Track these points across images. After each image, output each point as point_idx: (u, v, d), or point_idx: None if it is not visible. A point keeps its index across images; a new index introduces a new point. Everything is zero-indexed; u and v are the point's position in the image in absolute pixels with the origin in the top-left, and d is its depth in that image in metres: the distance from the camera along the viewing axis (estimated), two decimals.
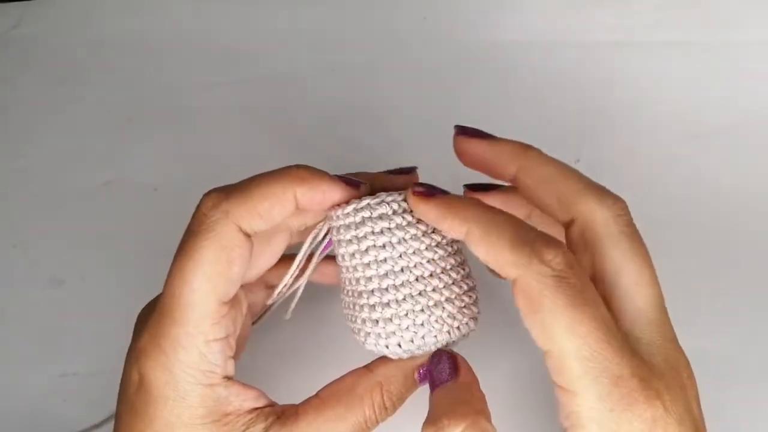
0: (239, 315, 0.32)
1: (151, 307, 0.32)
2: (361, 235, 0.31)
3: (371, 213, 0.31)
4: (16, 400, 0.41)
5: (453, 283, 0.32)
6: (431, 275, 0.31)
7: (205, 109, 0.54)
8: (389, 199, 0.31)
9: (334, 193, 0.31)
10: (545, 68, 0.55)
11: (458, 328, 0.32)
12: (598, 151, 0.51)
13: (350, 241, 0.31)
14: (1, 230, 0.48)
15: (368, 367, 0.33)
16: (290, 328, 0.43)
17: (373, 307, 0.31)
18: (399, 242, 0.31)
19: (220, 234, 0.29)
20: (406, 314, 0.31)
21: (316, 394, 0.32)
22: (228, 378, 0.30)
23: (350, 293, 0.33)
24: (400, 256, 0.31)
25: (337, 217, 0.32)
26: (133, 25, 0.59)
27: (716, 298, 0.44)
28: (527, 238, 0.28)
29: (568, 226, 0.32)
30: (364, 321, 0.32)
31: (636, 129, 0.52)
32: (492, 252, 0.29)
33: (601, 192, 0.32)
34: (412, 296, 0.31)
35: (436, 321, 0.31)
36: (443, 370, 0.30)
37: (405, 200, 0.31)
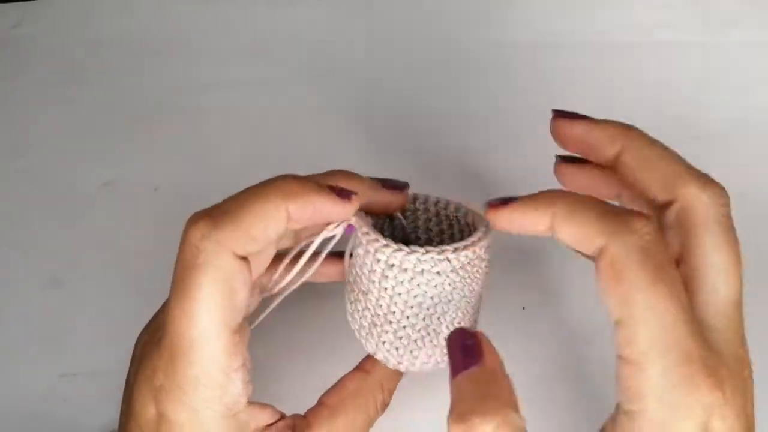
0: (248, 334, 0.31)
1: (151, 334, 0.32)
2: (415, 283, 0.31)
3: (432, 266, 0.31)
4: (16, 400, 0.41)
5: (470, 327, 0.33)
6: (458, 322, 0.32)
7: (205, 109, 0.54)
8: (452, 256, 0.31)
9: (326, 207, 0.30)
10: (546, 68, 0.55)
11: None
12: None
13: (401, 282, 0.31)
14: (1, 230, 0.48)
15: (364, 369, 0.33)
16: (285, 330, 0.43)
17: (399, 338, 0.32)
18: (446, 294, 0.31)
19: (217, 266, 0.28)
20: (425, 351, 0.32)
21: (322, 403, 0.32)
22: (248, 403, 0.30)
23: (373, 309, 0.33)
24: (442, 306, 0.31)
25: (392, 255, 0.31)
26: (132, 25, 0.59)
27: None
28: (615, 211, 0.28)
29: (664, 207, 0.31)
30: (382, 342, 0.33)
31: None
32: (580, 226, 0.28)
33: (706, 179, 0.32)
34: (437, 337, 0.32)
35: (442, 355, 0.32)
36: (467, 353, 0.28)
37: (465, 257, 0.31)
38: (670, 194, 0.31)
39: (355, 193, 0.31)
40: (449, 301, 0.32)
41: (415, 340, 0.32)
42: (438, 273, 0.31)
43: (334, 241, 0.34)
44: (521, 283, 0.43)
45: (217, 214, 0.28)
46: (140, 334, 0.33)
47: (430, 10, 0.59)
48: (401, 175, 0.37)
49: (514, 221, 0.30)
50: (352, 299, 0.34)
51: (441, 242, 0.36)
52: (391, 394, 0.33)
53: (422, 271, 0.31)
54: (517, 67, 0.55)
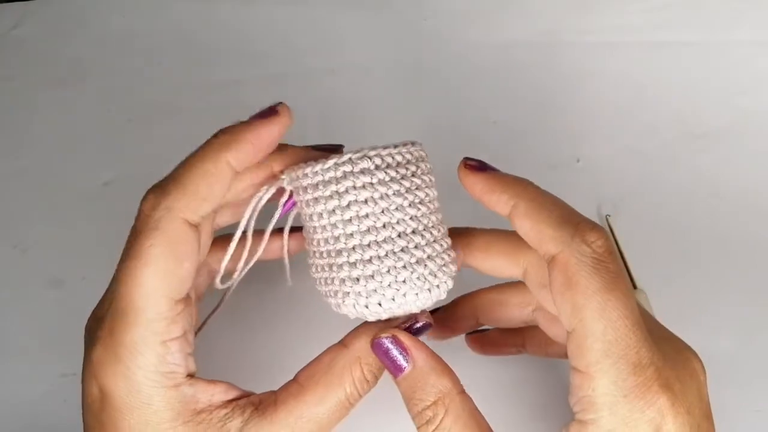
0: (194, 310, 0.31)
1: (97, 316, 0.31)
2: (342, 189, 0.30)
3: (353, 167, 0.30)
4: (16, 400, 0.41)
5: (434, 241, 0.31)
6: (413, 232, 0.30)
7: (205, 109, 0.54)
8: (372, 153, 0.30)
9: (260, 136, 0.31)
10: (545, 68, 0.55)
11: (438, 286, 0.31)
12: (598, 151, 0.51)
13: (330, 196, 0.30)
14: (1, 230, 0.48)
15: (343, 343, 0.31)
16: (281, 316, 0.43)
17: (353, 264, 0.30)
18: (381, 197, 0.30)
19: (165, 230, 0.29)
20: (388, 270, 0.30)
21: (295, 378, 0.31)
22: (191, 375, 0.30)
23: (326, 254, 0.31)
24: (383, 211, 0.30)
25: (314, 173, 0.30)
26: (133, 24, 0.59)
27: (715, 298, 0.44)
28: (573, 219, 0.29)
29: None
30: (343, 281, 0.30)
31: (636, 129, 0.52)
32: (536, 227, 0.29)
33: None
34: (395, 252, 0.30)
35: (418, 278, 0.30)
36: (396, 359, 0.30)
37: (389, 155, 0.31)
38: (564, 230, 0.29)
39: (281, 103, 0.32)
40: (393, 208, 0.30)
41: (370, 259, 0.30)
42: (362, 172, 0.30)
43: (276, 216, 0.33)
44: None
45: (165, 183, 0.30)
46: (87, 322, 0.32)
47: (430, 10, 0.59)
48: None
49: (478, 190, 0.31)
50: (311, 262, 0.33)
51: None
52: (373, 369, 0.31)
53: (344, 174, 0.30)
54: (517, 67, 0.55)
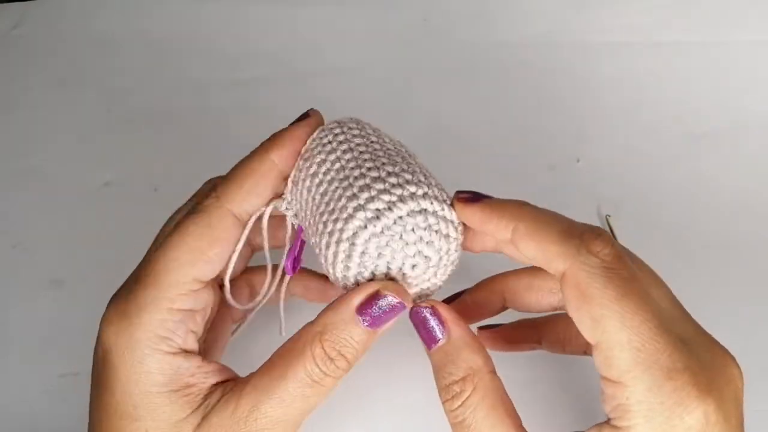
0: (211, 299, 0.32)
1: (122, 285, 0.32)
2: (323, 148, 0.32)
3: (325, 134, 0.33)
4: (16, 400, 0.41)
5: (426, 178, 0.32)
6: (396, 172, 0.31)
7: (205, 109, 0.54)
8: (343, 120, 0.34)
9: (295, 134, 0.33)
10: (545, 68, 0.55)
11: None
12: (598, 151, 0.51)
13: (316, 170, 0.32)
14: (1, 230, 0.48)
15: (313, 320, 0.30)
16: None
17: (341, 194, 0.30)
18: (365, 153, 0.32)
19: (209, 214, 0.31)
20: (359, 201, 0.29)
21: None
22: (188, 352, 0.30)
23: (316, 221, 0.31)
24: (369, 163, 0.31)
25: (303, 155, 0.33)
26: (133, 25, 0.59)
27: (715, 298, 0.44)
28: (575, 231, 0.28)
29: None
30: (326, 227, 0.30)
31: (636, 129, 0.52)
32: (540, 246, 0.29)
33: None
34: (373, 182, 0.30)
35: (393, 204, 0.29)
36: (431, 330, 0.30)
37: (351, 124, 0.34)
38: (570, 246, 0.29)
39: (312, 109, 0.35)
40: (371, 158, 0.32)
41: (345, 194, 0.30)
42: (333, 132, 0.33)
43: (288, 248, 0.34)
44: None
45: (220, 178, 0.33)
46: (111, 299, 0.33)
47: (430, 10, 0.60)
48: None
49: (477, 220, 0.31)
50: (316, 239, 0.32)
51: None
52: (336, 346, 0.29)
53: (334, 126, 0.33)
54: (517, 67, 0.55)
